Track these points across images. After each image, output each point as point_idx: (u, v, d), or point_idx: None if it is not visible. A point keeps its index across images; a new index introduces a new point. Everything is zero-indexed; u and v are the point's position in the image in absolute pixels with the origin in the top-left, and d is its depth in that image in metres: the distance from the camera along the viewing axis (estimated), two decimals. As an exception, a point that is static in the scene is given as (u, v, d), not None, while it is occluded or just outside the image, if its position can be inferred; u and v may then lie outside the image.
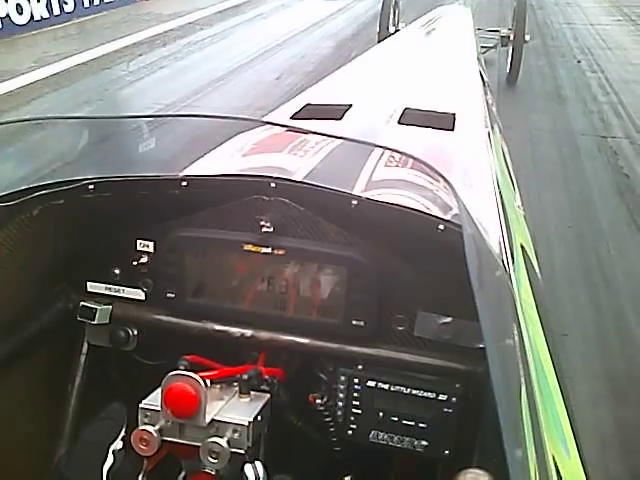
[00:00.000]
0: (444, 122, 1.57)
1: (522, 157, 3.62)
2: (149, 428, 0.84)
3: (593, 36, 7.08)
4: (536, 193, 3.30)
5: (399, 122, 1.57)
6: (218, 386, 0.93)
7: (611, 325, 2.44)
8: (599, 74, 5.63)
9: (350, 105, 1.67)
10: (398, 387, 0.99)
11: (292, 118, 1.60)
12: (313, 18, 7.96)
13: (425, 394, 0.98)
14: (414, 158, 1.15)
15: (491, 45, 5.70)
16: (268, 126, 1.49)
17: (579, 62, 6.12)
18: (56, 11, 7.47)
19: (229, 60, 6.17)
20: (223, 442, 0.84)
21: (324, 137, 1.33)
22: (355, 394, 1.01)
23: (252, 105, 4.77)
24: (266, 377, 0.99)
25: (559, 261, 2.81)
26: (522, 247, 1.31)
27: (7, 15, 6.78)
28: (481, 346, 0.94)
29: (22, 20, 7.03)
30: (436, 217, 0.93)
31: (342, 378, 1.02)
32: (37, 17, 7.22)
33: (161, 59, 6.34)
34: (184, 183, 1.00)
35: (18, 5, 6.93)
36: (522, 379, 0.63)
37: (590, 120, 4.47)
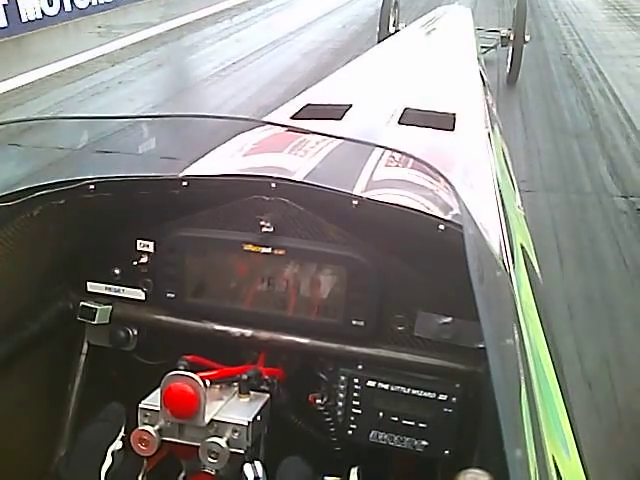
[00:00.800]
0: (444, 122, 1.57)
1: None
2: (148, 428, 0.84)
3: (569, 4, 9.87)
4: (521, 77, 5.75)
5: (399, 122, 1.57)
6: (218, 386, 0.93)
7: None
8: (569, 26, 8.37)
9: (350, 105, 1.67)
10: (398, 387, 0.99)
11: (292, 118, 1.60)
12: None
13: (425, 394, 0.98)
14: (415, 158, 1.15)
15: (491, 45, 5.74)
16: (268, 126, 1.49)
17: (556, 20, 8.75)
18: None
19: (301, 18, 8.56)
20: (222, 442, 0.84)
21: (324, 137, 1.33)
22: (355, 394, 1.01)
23: (332, 39, 7.31)
24: (266, 377, 0.98)
25: (532, 96, 5.44)
26: (522, 247, 1.31)
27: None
28: (481, 346, 0.94)
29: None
30: (436, 217, 0.93)
31: (342, 378, 1.01)
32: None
33: (252, 17, 8.79)
34: (184, 183, 1.00)
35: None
36: (522, 379, 0.63)
37: (558, 47, 7.25)
